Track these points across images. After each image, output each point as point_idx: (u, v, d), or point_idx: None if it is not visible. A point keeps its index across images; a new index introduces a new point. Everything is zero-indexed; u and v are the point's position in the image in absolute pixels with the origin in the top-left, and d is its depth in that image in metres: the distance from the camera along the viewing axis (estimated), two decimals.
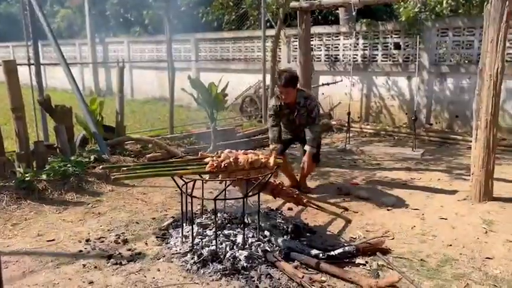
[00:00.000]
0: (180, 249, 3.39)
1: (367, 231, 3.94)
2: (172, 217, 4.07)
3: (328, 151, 7.36)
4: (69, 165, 4.86)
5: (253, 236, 3.49)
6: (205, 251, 3.23)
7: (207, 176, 3.27)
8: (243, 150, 3.60)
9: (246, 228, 3.58)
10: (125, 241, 3.59)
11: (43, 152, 4.96)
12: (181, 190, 3.32)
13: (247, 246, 3.35)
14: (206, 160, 3.47)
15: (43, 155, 4.95)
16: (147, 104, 14.69)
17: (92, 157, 5.26)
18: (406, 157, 6.39)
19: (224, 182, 3.28)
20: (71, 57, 17.93)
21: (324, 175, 5.87)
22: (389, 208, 4.54)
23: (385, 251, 3.48)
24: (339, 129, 9.44)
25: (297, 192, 3.82)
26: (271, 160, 3.35)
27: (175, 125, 8.89)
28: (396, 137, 8.68)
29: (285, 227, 3.74)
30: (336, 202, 4.62)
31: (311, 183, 5.36)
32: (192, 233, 3.37)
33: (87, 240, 3.60)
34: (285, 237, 3.56)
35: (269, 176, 3.43)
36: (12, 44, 19.74)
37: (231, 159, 3.24)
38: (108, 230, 3.82)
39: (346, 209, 4.44)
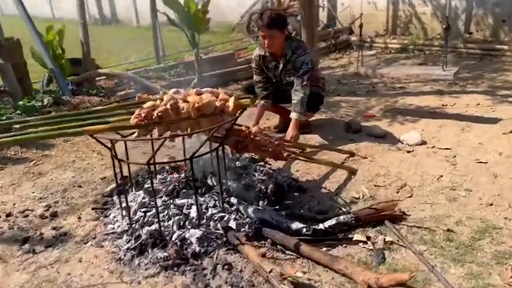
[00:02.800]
0: (119, 227, 2.54)
1: (375, 185, 2.95)
2: (125, 176, 3.20)
3: (343, 74, 6.17)
4: (16, 111, 4.00)
5: (214, 206, 2.58)
6: (144, 232, 2.37)
7: (135, 134, 2.30)
8: (196, 89, 2.58)
9: (207, 195, 2.67)
10: (54, 214, 2.77)
11: None
12: (112, 152, 2.39)
13: (204, 221, 2.46)
14: (146, 105, 2.50)
15: None
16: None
17: (46, 100, 4.36)
18: (436, 78, 5.16)
19: (156, 139, 2.31)
20: None
21: (333, 106, 4.78)
22: (409, 149, 3.49)
23: (397, 218, 2.52)
24: (359, 46, 8.08)
25: (277, 140, 2.82)
26: (230, 102, 2.33)
27: (170, 52, 7.84)
28: (427, 52, 7.31)
29: (263, 187, 2.80)
30: (341, 145, 3.61)
31: (314, 119, 4.32)
32: (128, 206, 2.49)
33: (8, 215, 2.80)
34: (261, 203, 2.64)
35: (229, 124, 2.43)
36: None
37: (168, 106, 2.24)
38: (40, 199, 3.01)
39: (352, 154, 3.43)
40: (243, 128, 2.74)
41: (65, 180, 3.26)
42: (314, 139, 3.85)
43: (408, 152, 3.46)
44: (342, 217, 2.44)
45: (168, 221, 2.45)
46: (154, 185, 2.72)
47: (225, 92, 2.59)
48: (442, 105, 4.59)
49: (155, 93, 2.66)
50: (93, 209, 2.79)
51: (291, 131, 3.49)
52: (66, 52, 5.29)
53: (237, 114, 2.40)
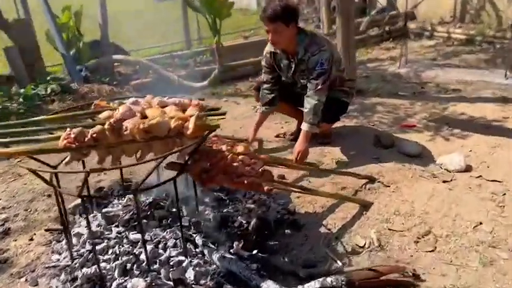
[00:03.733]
0: (64, 259, 2.14)
1: (390, 229, 2.32)
2: (100, 188, 2.80)
3: (388, 70, 5.37)
4: (13, 100, 3.74)
5: (175, 245, 2.09)
6: (81, 274, 1.94)
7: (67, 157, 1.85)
8: (160, 100, 2.08)
9: (171, 229, 2.19)
10: (6, 232, 2.44)
11: None
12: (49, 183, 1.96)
13: (156, 266, 1.99)
14: (101, 116, 2.05)
15: None
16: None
17: (49, 88, 4.06)
18: (497, 87, 4.22)
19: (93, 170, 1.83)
20: None
21: (367, 110, 4.09)
22: (447, 177, 2.79)
23: (406, 286, 1.90)
24: (418, 34, 7.14)
25: (267, 160, 2.25)
26: (190, 123, 1.80)
27: (208, 35, 7.35)
28: (498, 45, 6.25)
29: (244, 221, 2.28)
30: (363, 163, 2.97)
31: (338, 125, 3.68)
32: (69, 240, 2.07)
33: None
34: (235, 244, 2.11)
35: (191, 149, 1.91)
36: None
37: (106, 125, 1.76)
38: (3, 209, 2.69)
39: (371, 180, 2.79)
40: (223, 148, 2.22)
41: (37, 187, 2.92)
42: (332, 153, 3.23)
43: (444, 181, 2.76)
44: (329, 279, 1.87)
45: (114, 261, 2.01)
46: (112, 210, 2.30)
47: (198, 103, 2.08)
48: (503, 117, 3.74)
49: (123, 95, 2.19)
50: (46, 230, 2.41)
51: (298, 146, 2.90)
52: (92, 34, 4.97)
53: (203, 138, 1.88)
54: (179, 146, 1.88)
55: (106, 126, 1.77)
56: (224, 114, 2.02)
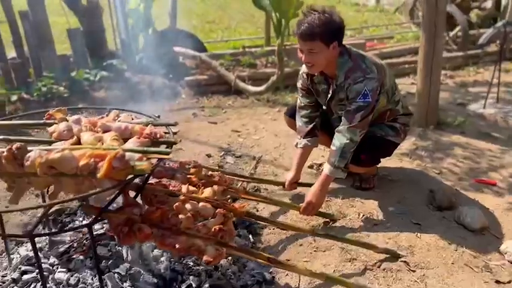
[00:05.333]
0: None
1: None
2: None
3: (471, 106, 4.25)
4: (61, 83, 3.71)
5: None
6: None
7: None
8: (105, 118, 1.71)
9: (107, 275, 1.83)
10: None
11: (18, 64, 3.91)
12: None
13: None
14: (49, 129, 1.76)
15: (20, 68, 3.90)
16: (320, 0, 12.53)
17: (98, 75, 3.96)
18: None
19: None
20: None
21: (439, 151, 3.26)
22: (503, 278, 1.99)
23: None
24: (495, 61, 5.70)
25: (223, 216, 1.74)
26: (103, 166, 1.39)
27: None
28: None
29: (193, 284, 1.82)
30: (397, 229, 2.29)
31: (391, 165, 2.96)
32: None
33: None
34: None
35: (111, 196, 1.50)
36: None
37: (5, 153, 1.44)
38: None
39: (394, 256, 2.11)
40: (183, 189, 1.78)
41: None
42: (364, 205, 2.56)
43: (498, 282, 1.96)
44: None
45: None
46: (55, 236, 2.01)
47: (149, 134, 1.66)
48: None
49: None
50: None
51: (311, 194, 2.31)
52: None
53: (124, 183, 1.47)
54: (97, 187, 1.49)
55: (5, 153, 1.45)
56: (168, 154, 1.57)
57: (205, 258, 1.58)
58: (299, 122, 2.62)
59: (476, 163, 3.10)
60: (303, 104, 2.60)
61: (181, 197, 1.76)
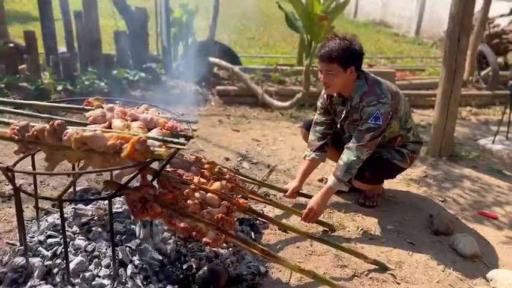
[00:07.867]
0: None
1: None
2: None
3: (480, 141, 4.30)
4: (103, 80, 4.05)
5: (108, 266, 1.96)
6: (16, 261, 1.94)
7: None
8: (133, 110, 1.97)
9: (119, 247, 2.06)
10: None
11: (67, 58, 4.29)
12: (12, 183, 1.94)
13: (78, 280, 1.88)
14: (87, 114, 2.03)
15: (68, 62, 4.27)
16: (361, 27, 12.76)
17: (137, 76, 4.29)
18: None
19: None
20: None
21: (447, 181, 3.38)
22: None
23: None
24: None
25: (220, 215, 1.95)
26: (126, 148, 1.64)
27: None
28: None
29: (194, 265, 2.03)
30: (393, 245, 2.43)
31: (398, 188, 3.10)
32: (24, 228, 2.08)
33: None
34: None
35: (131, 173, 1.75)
36: None
37: (48, 127, 1.71)
38: None
39: (382, 267, 2.25)
40: (194, 179, 2.01)
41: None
42: (364, 221, 2.72)
43: None
44: None
45: (47, 261, 1.97)
46: (79, 208, 2.27)
47: (171, 126, 1.90)
48: None
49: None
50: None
51: (313, 202, 2.49)
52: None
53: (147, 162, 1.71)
54: (119, 165, 1.74)
55: (48, 126, 1.72)
56: (184, 145, 1.80)
57: (205, 239, 1.79)
58: (312, 136, 2.81)
59: (482, 196, 3.19)
60: (319, 121, 2.80)
61: (192, 186, 1.99)
